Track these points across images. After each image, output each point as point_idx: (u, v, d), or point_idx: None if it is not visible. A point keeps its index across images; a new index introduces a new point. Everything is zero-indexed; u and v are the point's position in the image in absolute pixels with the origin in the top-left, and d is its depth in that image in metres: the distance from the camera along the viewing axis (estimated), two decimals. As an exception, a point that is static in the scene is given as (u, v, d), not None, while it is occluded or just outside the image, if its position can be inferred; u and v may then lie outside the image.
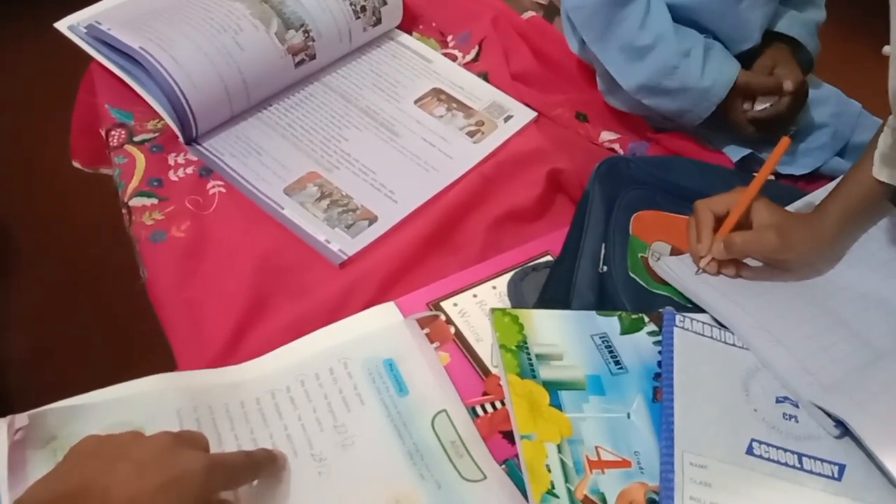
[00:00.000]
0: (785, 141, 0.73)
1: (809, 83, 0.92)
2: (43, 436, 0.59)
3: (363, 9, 1.01)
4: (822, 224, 0.72)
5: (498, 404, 0.65)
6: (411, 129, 0.94)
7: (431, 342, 0.70)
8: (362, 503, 0.58)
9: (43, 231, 1.65)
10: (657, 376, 0.64)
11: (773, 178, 0.90)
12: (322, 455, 0.61)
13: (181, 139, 0.88)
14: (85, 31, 0.94)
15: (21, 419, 0.58)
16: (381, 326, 0.70)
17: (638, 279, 0.72)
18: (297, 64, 0.95)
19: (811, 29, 0.95)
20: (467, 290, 0.75)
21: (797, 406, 0.63)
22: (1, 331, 1.52)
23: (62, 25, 0.97)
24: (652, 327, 0.68)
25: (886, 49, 0.63)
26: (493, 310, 0.68)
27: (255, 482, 0.58)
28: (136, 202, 0.82)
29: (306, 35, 0.95)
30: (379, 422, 0.63)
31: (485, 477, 0.60)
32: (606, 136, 0.95)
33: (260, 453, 0.58)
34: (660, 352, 0.66)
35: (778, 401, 0.64)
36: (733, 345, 0.67)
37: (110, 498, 0.46)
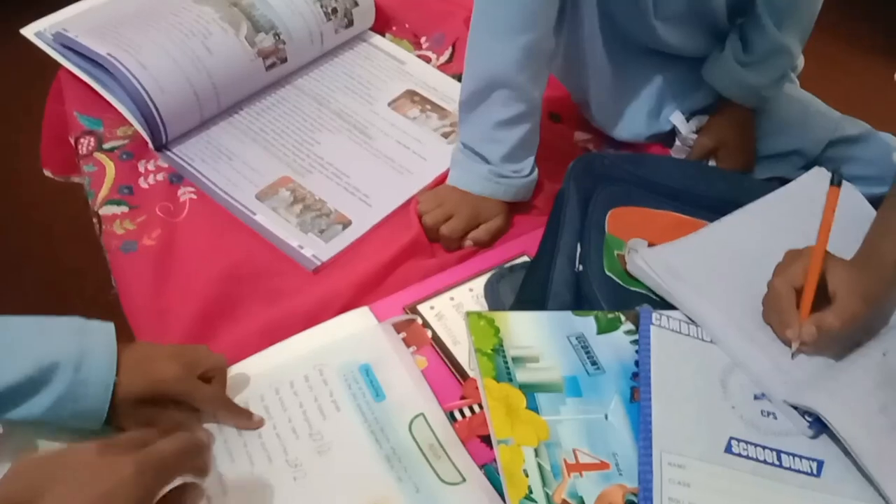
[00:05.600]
0: (834, 192, 0.66)
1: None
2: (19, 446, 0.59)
3: (334, 11, 1.00)
4: (883, 272, 0.65)
5: (476, 408, 0.65)
6: (385, 131, 0.93)
7: (408, 346, 0.69)
8: (340, 506, 0.57)
9: (16, 243, 1.62)
10: (635, 376, 0.64)
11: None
12: (297, 461, 0.60)
13: (151, 145, 0.87)
14: (52, 37, 0.93)
15: None
16: (356, 331, 0.70)
17: (614, 277, 0.72)
18: (268, 67, 0.94)
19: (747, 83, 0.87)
20: (444, 292, 0.74)
21: (775, 402, 0.63)
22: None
23: (29, 32, 0.95)
24: (629, 326, 0.67)
25: None
26: (469, 313, 0.67)
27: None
28: (106, 210, 0.81)
29: (277, 38, 0.94)
30: (355, 427, 0.63)
31: (464, 480, 0.59)
32: (580, 136, 0.95)
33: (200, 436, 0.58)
34: (637, 351, 0.65)
35: (756, 397, 0.63)
36: (710, 341, 0.67)
37: None
